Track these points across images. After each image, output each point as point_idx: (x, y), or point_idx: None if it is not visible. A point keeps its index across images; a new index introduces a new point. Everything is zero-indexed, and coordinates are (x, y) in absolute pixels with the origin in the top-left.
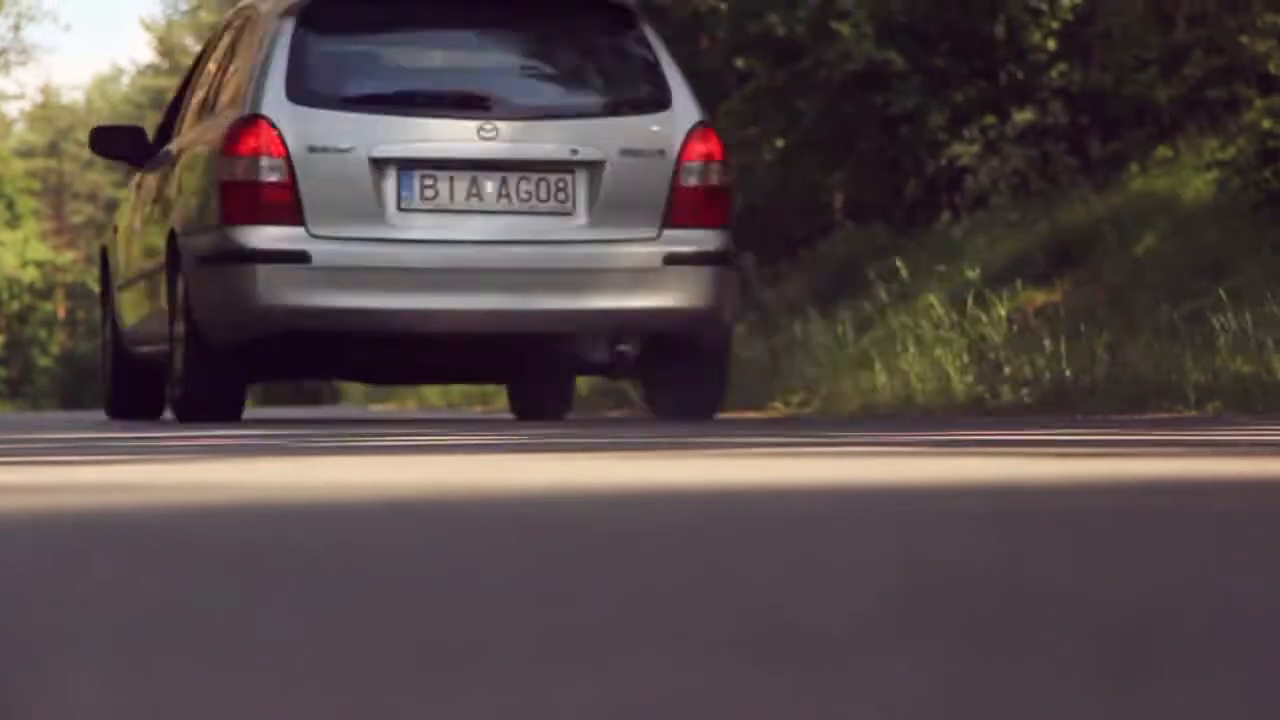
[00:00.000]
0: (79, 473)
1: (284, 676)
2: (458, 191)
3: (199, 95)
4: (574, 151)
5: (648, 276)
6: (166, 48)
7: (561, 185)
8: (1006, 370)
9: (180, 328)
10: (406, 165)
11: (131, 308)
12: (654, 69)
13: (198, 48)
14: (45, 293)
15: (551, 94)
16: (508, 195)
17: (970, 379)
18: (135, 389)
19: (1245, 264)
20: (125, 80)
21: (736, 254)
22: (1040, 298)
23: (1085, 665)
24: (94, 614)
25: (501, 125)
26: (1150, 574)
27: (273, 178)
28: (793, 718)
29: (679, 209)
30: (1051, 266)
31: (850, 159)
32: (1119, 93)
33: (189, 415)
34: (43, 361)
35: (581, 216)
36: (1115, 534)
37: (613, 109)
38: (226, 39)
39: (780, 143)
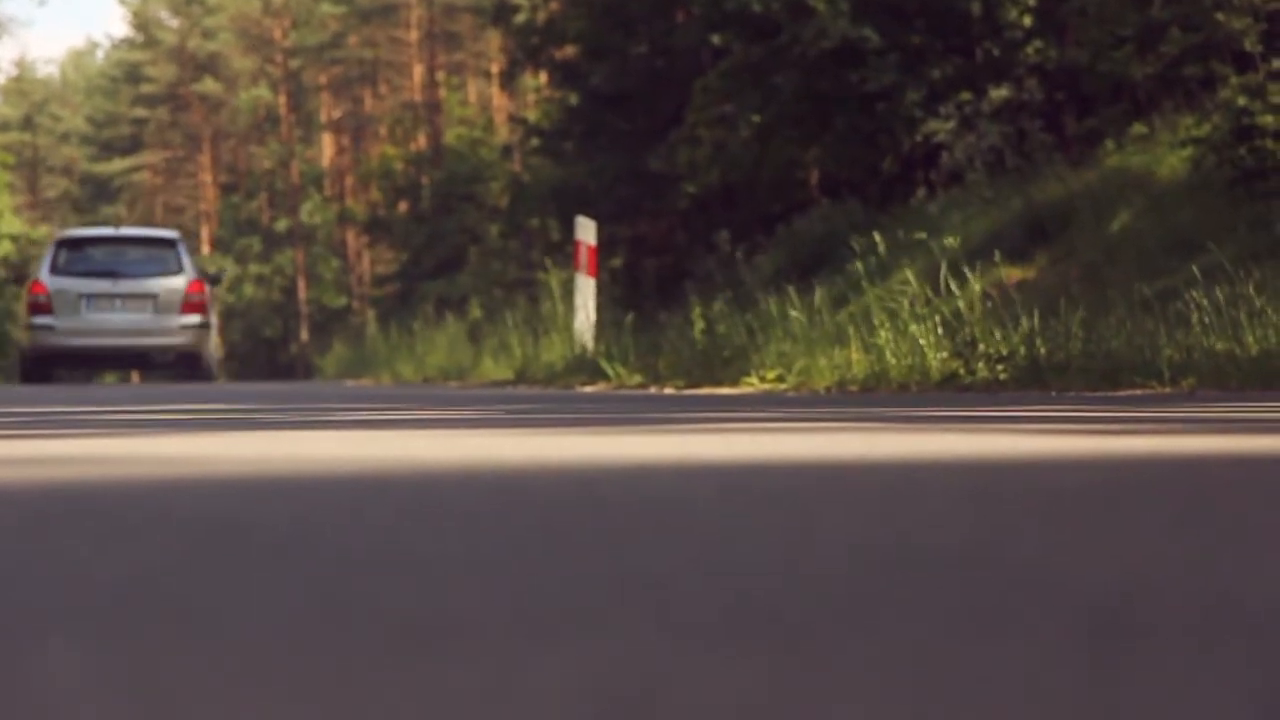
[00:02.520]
0: (50, 446)
1: (257, 653)
2: (106, 304)
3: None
4: (148, 289)
5: (175, 333)
6: (141, 21)
7: (144, 301)
8: (981, 346)
9: (20, 349)
10: (89, 296)
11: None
12: (180, 260)
13: (173, 22)
14: (19, 266)
15: (141, 271)
16: (127, 305)
17: (945, 355)
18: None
19: (1220, 241)
20: (100, 54)
21: (205, 324)
22: (1015, 274)
23: (1064, 642)
24: (64, 589)
25: (124, 282)
26: (1127, 551)
27: (43, 300)
28: (767, 691)
29: (184, 309)
30: (1026, 243)
31: (826, 136)
32: (1095, 69)
33: (25, 381)
34: (18, 335)
35: (151, 312)
36: (1091, 510)
37: (162, 275)
38: None
39: (756, 119)
